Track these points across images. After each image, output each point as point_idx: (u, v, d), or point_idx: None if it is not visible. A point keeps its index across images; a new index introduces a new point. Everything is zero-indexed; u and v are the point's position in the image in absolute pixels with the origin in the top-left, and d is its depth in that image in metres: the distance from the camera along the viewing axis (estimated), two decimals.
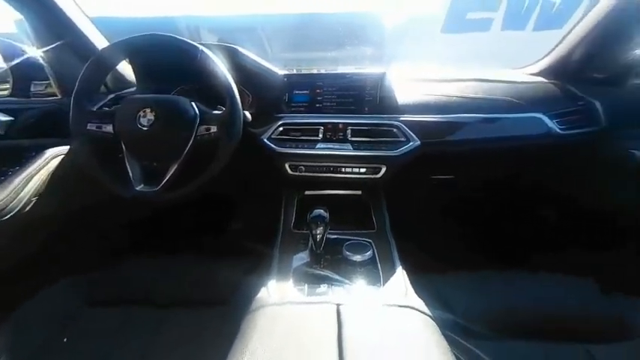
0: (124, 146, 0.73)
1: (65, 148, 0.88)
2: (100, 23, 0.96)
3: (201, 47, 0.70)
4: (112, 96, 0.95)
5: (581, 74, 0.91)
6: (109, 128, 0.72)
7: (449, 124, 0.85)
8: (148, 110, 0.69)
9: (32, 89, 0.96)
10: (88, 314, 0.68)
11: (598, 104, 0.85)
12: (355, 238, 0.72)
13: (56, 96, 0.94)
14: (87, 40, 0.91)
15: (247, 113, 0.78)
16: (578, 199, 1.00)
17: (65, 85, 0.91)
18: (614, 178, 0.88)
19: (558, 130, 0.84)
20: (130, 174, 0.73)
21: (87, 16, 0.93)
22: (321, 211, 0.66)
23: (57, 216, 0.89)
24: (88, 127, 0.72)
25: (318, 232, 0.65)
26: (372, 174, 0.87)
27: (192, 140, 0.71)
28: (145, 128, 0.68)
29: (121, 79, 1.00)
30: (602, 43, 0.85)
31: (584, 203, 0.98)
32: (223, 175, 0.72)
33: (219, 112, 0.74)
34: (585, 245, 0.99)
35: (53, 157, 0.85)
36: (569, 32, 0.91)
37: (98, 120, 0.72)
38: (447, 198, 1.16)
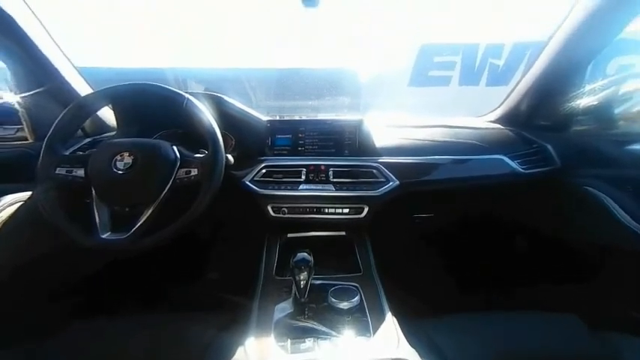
0: (93, 191, 0.69)
1: (25, 195, 0.81)
2: (88, 73, 0.98)
3: (187, 95, 0.73)
4: (88, 140, 0.93)
5: (530, 122, 1.05)
6: (80, 172, 0.68)
7: (423, 165, 0.91)
8: (125, 154, 0.67)
9: (0, 133, 0.92)
10: None
11: (550, 147, 0.96)
12: (341, 282, 0.69)
13: (27, 140, 0.90)
14: (70, 87, 0.92)
15: (230, 156, 0.79)
16: (549, 233, 1.05)
17: (39, 129, 0.89)
18: (576, 212, 0.95)
19: (521, 170, 0.92)
20: (97, 220, 0.68)
21: (73, 64, 0.94)
22: (305, 254, 0.63)
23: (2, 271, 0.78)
24: (57, 172, 0.68)
25: (301, 277, 0.62)
26: (355, 214, 0.87)
27: (171, 184, 0.69)
28: (121, 172, 0.66)
29: (100, 123, 0.99)
30: (541, 96, 1.00)
31: (555, 237, 1.03)
32: (201, 218, 0.69)
33: (201, 155, 0.74)
34: (565, 281, 1.01)
35: (10, 204, 0.78)
36: (514, 88, 1.07)
37: (69, 164, 0.69)
38: (429, 236, 1.17)
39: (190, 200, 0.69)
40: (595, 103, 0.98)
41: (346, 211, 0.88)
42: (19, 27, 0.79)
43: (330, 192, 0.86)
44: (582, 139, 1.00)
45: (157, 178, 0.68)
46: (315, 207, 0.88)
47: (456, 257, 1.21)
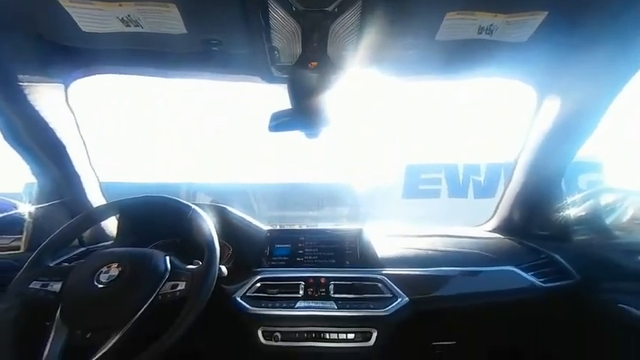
0: (59, 311, 0.60)
1: None
2: (108, 187, 1.05)
3: (193, 206, 0.77)
4: (81, 250, 0.90)
5: (528, 231, 1.04)
6: (56, 287, 0.62)
7: (432, 278, 0.84)
8: (113, 265, 0.64)
9: None
10: None
11: (559, 257, 0.92)
12: None
13: (18, 250, 0.87)
14: (86, 200, 0.97)
15: (223, 267, 0.74)
16: None
17: (36, 239, 0.87)
18: (613, 334, 0.80)
19: (539, 283, 0.84)
20: (47, 351, 0.56)
21: (98, 179, 1.01)
22: None
23: None
24: (31, 286, 0.62)
25: None
26: (363, 341, 0.73)
27: (152, 300, 0.61)
28: (101, 286, 0.61)
29: (98, 232, 0.99)
30: (529, 207, 1.04)
31: None
32: (175, 349, 0.57)
33: (194, 266, 0.70)
34: None
35: None
36: (500, 199, 1.13)
37: (48, 277, 0.64)
38: None
39: (169, 323, 0.59)
40: (584, 213, 1.01)
41: (351, 336, 0.74)
42: (62, 144, 0.85)
43: (332, 311, 0.76)
44: (591, 249, 0.97)
45: (140, 292, 0.62)
46: (315, 331, 0.75)
47: None
